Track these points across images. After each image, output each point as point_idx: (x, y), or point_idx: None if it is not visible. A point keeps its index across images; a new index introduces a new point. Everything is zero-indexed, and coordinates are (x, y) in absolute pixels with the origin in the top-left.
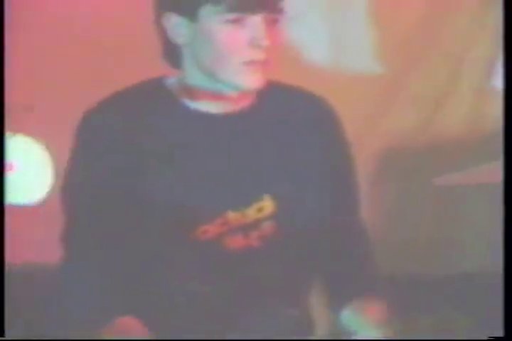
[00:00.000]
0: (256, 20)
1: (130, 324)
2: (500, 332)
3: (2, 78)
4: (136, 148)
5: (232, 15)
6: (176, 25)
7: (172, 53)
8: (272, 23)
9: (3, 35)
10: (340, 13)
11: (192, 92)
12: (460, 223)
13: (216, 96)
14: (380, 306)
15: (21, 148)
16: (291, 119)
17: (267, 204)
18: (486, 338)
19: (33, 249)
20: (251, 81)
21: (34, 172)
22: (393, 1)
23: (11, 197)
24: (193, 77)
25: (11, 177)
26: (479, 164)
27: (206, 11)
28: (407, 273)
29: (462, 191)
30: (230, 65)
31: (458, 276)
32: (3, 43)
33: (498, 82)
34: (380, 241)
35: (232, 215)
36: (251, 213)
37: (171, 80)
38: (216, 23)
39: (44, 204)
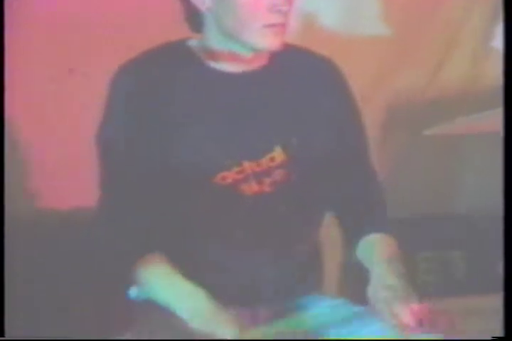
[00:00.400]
0: None
1: (158, 258)
2: (500, 333)
3: (2, 78)
4: (164, 103)
5: None
6: (200, 2)
7: (194, 18)
8: None
9: (3, 34)
10: None
11: (212, 53)
12: (462, 169)
13: (234, 57)
14: (392, 244)
15: None
16: (301, 78)
17: (278, 154)
18: (486, 338)
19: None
20: (271, 43)
21: None
22: None
23: None
24: (214, 39)
25: None
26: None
27: None
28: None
29: (463, 139)
30: (251, 28)
31: (458, 217)
32: (3, 43)
33: (497, 42)
34: (387, 185)
35: (247, 164)
36: (264, 162)
37: (194, 42)
38: None
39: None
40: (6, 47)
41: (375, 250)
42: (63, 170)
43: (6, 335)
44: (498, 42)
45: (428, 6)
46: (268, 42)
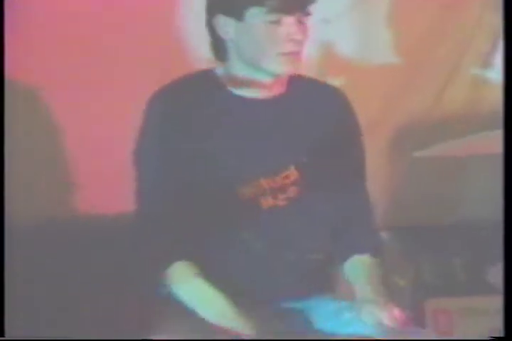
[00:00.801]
0: (290, 20)
1: (185, 266)
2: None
3: (2, 79)
4: (192, 124)
5: (272, 17)
6: (224, 24)
7: (219, 47)
8: (303, 23)
9: (3, 34)
10: (367, 15)
11: (235, 80)
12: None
13: (255, 83)
14: (374, 264)
15: None
16: (313, 105)
17: (292, 173)
18: (486, 338)
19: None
20: (287, 69)
21: None
22: (408, 6)
23: None
24: (237, 66)
25: None
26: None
27: (251, 13)
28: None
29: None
30: (269, 55)
31: (459, 226)
32: (3, 41)
33: (492, 72)
34: (394, 198)
35: (264, 181)
36: (279, 180)
37: (220, 70)
38: (259, 22)
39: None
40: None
41: (360, 270)
42: (102, 179)
43: (5, 335)
44: (495, 72)
45: (434, 37)
46: (285, 68)
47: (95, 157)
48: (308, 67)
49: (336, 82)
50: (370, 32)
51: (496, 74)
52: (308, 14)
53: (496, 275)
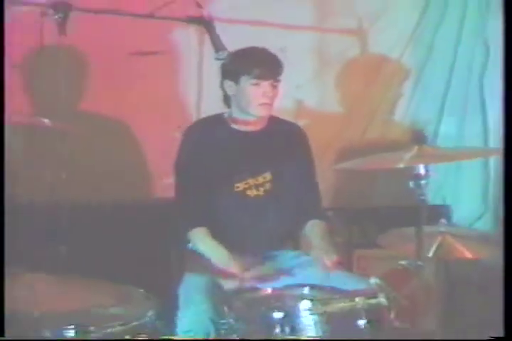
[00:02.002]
0: (266, 84)
1: (202, 230)
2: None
3: (2, 80)
4: (209, 147)
5: (254, 81)
6: (229, 86)
7: (227, 100)
8: (274, 86)
9: (4, 35)
10: (322, 82)
11: (234, 120)
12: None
13: (245, 121)
14: (323, 225)
15: None
16: (282, 136)
17: (268, 176)
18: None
19: None
20: (263, 113)
21: None
22: (350, 78)
23: None
24: (235, 112)
25: None
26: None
27: (242, 79)
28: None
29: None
30: (253, 105)
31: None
32: (3, 43)
33: (394, 117)
34: (333, 191)
35: (250, 180)
36: (260, 179)
37: (226, 114)
38: (247, 85)
39: None
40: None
41: (314, 230)
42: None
43: (5, 335)
44: (396, 116)
45: (363, 98)
46: (262, 113)
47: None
48: (284, 112)
49: (301, 122)
50: (326, 91)
51: (397, 117)
52: (278, 81)
53: (381, 239)
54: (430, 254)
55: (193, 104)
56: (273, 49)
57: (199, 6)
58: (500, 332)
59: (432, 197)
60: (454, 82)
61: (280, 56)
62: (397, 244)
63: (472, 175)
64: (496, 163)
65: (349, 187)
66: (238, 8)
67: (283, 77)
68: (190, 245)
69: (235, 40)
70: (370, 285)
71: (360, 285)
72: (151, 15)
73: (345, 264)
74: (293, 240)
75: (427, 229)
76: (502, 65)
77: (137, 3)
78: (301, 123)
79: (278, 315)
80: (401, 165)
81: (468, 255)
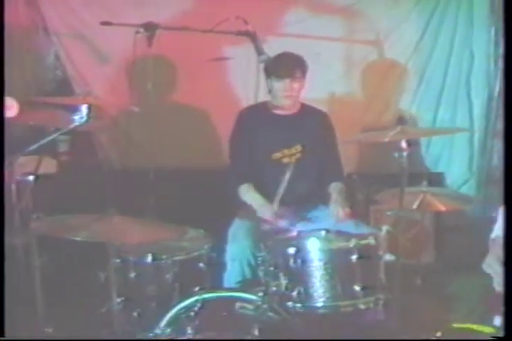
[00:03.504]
0: (287, 80)
1: (249, 186)
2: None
3: (2, 79)
4: (257, 126)
5: (279, 78)
6: (268, 86)
7: (270, 91)
8: (296, 81)
9: (3, 35)
10: (349, 80)
11: (274, 106)
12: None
13: (281, 108)
14: (341, 186)
15: None
16: (311, 119)
17: (298, 147)
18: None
19: None
20: (286, 102)
21: None
22: (371, 75)
23: None
24: (273, 100)
25: None
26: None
27: (272, 78)
28: None
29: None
30: (279, 96)
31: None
32: (3, 43)
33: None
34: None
35: (285, 150)
36: (292, 150)
37: (269, 102)
38: (275, 81)
39: None
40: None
41: (334, 188)
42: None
43: (6, 335)
44: (406, 105)
45: (378, 89)
46: (285, 102)
47: None
48: (320, 101)
49: (333, 108)
50: (351, 86)
51: (404, 106)
52: (298, 78)
53: (378, 196)
54: (414, 207)
55: (252, 95)
56: (311, 54)
57: (245, 22)
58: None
59: (432, 166)
60: (448, 80)
61: (316, 59)
62: (388, 200)
63: (461, 149)
64: (479, 139)
65: (369, 157)
66: (286, 25)
67: (318, 75)
68: (240, 195)
69: (283, 48)
70: (370, 231)
71: (364, 231)
72: (210, 31)
73: (364, 216)
74: (319, 196)
75: (413, 189)
76: (486, 68)
77: (201, 21)
78: (332, 108)
79: (291, 250)
80: (386, 140)
81: (442, 208)
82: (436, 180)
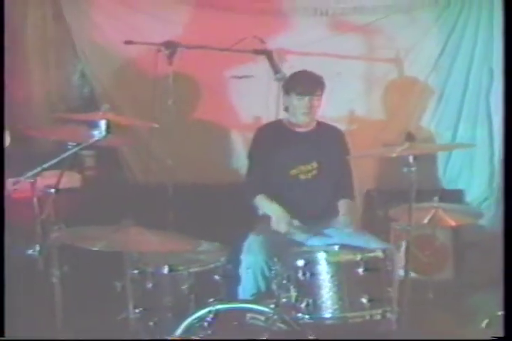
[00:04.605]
0: (307, 98)
1: (265, 196)
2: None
3: (2, 79)
4: (274, 143)
5: (298, 96)
6: (285, 100)
7: (286, 109)
8: (315, 99)
9: (3, 36)
10: (369, 97)
11: (290, 123)
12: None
13: (298, 125)
14: (351, 203)
15: None
16: (326, 136)
17: (314, 164)
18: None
19: None
20: (305, 119)
21: None
22: (392, 97)
23: None
24: (290, 117)
25: None
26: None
27: (292, 94)
28: None
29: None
30: (298, 113)
31: None
32: (3, 45)
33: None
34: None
35: (302, 167)
36: (309, 167)
37: (285, 119)
38: (294, 98)
39: None
40: None
41: (341, 204)
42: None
43: (5, 335)
44: (426, 123)
45: (398, 107)
46: (304, 119)
47: None
48: (340, 119)
49: (352, 127)
50: (371, 104)
51: (424, 124)
52: (317, 96)
53: (392, 213)
54: (425, 221)
55: (272, 113)
56: (331, 73)
57: (262, 41)
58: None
59: (452, 184)
60: (468, 98)
61: (336, 78)
62: (401, 215)
63: (481, 167)
64: (499, 158)
65: (387, 174)
66: (307, 43)
67: (339, 93)
68: (259, 211)
69: (304, 67)
70: (381, 246)
71: (375, 245)
72: (228, 49)
73: (384, 232)
74: (333, 212)
75: (426, 204)
76: (504, 86)
77: (220, 40)
78: (352, 127)
79: (300, 262)
80: (394, 155)
81: (452, 223)
82: (456, 197)
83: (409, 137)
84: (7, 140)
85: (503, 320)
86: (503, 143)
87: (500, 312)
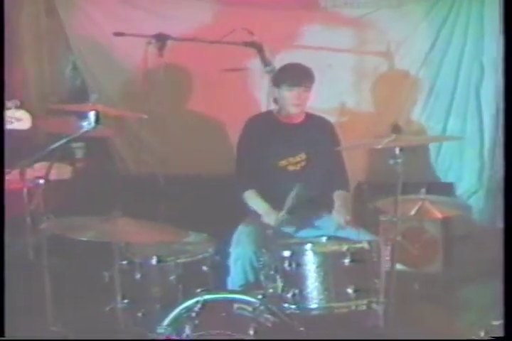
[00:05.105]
0: (296, 89)
1: (254, 192)
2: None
3: (2, 78)
4: (262, 134)
5: (289, 88)
6: (275, 92)
7: (275, 100)
8: (305, 91)
9: (3, 35)
10: (359, 90)
11: (280, 115)
12: None
13: (287, 116)
14: (346, 194)
15: None
16: (316, 127)
17: (303, 156)
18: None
19: None
20: (295, 110)
21: None
22: (383, 88)
23: None
24: (280, 109)
25: None
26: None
27: (282, 86)
28: None
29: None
30: (288, 105)
31: None
32: (3, 44)
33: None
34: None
35: (290, 158)
36: (297, 158)
37: (275, 110)
38: (284, 90)
39: None
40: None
41: (337, 196)
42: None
43: (6, 335)
44: (416, 116)
45: (389, 100)
46: (294, 110)
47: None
48: (330, 111)
49: (343, 119)
50: (362, 97)
51: (414, 117)
52: (307, 87)
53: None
54: (412, 213)
55: (265, 104)
56: (322, 65)
57: (251, 33)
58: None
59: (442, 176)
60: (458, 91)
61: (327, 71)
62: (388, 207)
63: (471, 161)
64: (489, 150)
65: (378, 166)
66: (298, 37)
67: (330, 85)
68: (245, 201)
69: (295, 59)
70: (370, 238)
71: (364, 238)
72: (218, 42)
73: (374, 225)
74: (323, 204)
75: (413, 196)
76: (495, 80)
77: (209, 33)
78: (343, 119)
79: (286, 253)
80: (379, 147)
81: (439, 215)
82: (446, 189)
83: (396, 129)
84: None
85: (503, 320)
86: (504, 137)
87: (498, 322)
